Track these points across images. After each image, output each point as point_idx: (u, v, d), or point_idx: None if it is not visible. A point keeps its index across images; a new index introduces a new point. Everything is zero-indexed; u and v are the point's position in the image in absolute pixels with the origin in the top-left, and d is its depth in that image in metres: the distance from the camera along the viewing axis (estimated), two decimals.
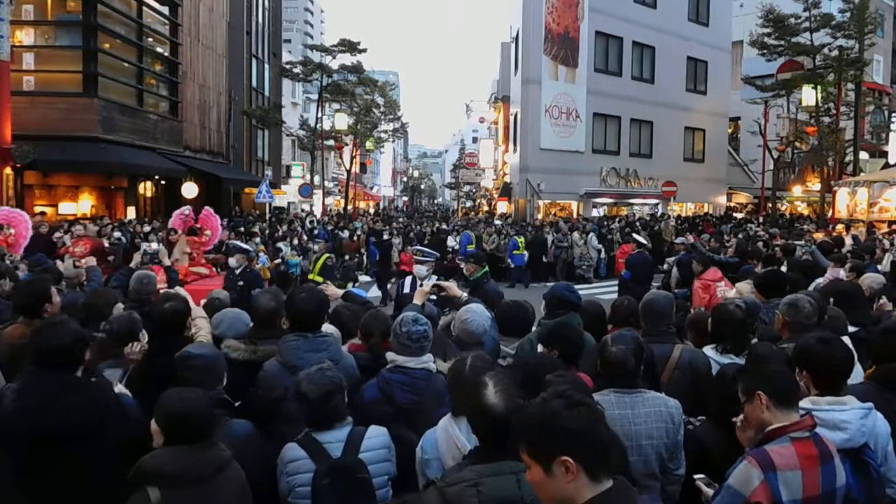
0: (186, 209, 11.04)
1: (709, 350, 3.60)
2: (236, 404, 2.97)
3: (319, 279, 7.95)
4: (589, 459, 1.50)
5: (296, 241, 15.60)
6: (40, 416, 2.41)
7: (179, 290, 4.58)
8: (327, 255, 9.74)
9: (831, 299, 4.37)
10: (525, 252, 16.06)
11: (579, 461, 1.48)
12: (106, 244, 10.28)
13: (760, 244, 11.22)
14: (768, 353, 3.10)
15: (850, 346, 2.80)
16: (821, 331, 3.12)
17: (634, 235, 11.34)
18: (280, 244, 14.50)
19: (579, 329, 3.62)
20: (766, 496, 2.05)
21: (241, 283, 7.18)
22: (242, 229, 15.70)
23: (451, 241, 16.73)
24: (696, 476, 2.47)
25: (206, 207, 11.30)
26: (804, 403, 2.36)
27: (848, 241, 10.88)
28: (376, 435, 2.67)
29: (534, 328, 4.01)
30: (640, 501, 1.70)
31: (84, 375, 2.72)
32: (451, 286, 4.59)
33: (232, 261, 7.70)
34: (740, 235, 14.66)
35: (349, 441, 2.60)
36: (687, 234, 15.46)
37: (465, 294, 4.50)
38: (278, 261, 13.38)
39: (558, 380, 2.40)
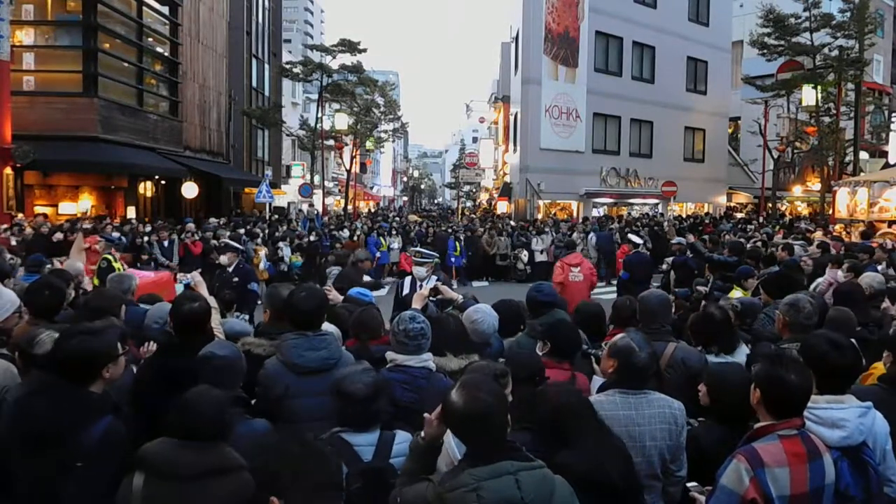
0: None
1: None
2: (252, 402, 2.95)
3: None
4: None
5: (296, 242, 15.58)
6: (20, 419, 2.35)
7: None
8: (106, 256, 8.07)
9: (831, 299, 4.38)
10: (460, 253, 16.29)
11: None
12: (13, 242, 9.89)
13: (759, 244, 11.21)
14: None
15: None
16: (830, 331, 3.09)
17: (630, 236, 11.31)
18: (280, 244, 14.50)
19: (572, 325, 3.70)
20: (758, 492, 2.06)
21: (236, 279, 7.30)
22: (245, 230, 15.64)
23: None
24: (689, 485, 2.50)
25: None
26: None
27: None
28: (405, 440, 2.60)
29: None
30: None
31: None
32: (447, 289, 4.62)
33: (223, 259, 7.78)
34: (738, 235, 14.63)
35: (380, 445, 2.54)
36: (686, 234, 15.44)
37: (461, 297, 4.52)
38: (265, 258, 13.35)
39: None
